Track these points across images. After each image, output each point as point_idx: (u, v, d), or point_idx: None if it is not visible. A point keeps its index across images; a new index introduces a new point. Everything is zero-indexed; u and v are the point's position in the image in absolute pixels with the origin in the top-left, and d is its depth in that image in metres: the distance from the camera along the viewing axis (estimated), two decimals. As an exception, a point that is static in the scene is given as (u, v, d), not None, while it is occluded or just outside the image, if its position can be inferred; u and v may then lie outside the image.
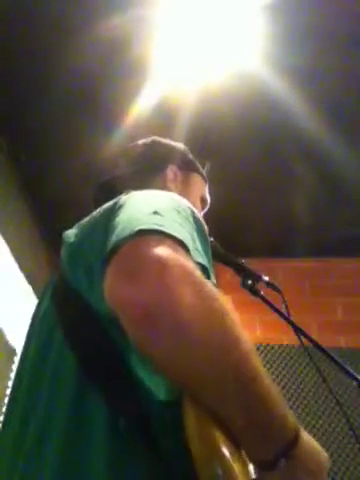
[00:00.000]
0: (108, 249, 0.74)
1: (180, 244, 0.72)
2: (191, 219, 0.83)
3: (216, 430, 0.69)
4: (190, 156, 1.35)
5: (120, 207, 0.85)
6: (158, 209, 0.78)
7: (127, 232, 0.72)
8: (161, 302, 0.66)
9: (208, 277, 0.77)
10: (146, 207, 0.79)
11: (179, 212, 0.82)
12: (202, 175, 1.35)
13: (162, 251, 0.69)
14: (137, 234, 0.71)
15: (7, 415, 0.89)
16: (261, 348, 3.00)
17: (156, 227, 0.72)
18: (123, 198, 0.88)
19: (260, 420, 0.71)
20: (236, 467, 0.67)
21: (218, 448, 0.67)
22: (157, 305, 0.66)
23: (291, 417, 0.74)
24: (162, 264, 0.68)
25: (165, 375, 0.71)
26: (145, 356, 0.70)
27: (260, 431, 0.71)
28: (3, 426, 0.88)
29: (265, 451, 0.71)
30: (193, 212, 0.86)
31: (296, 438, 0.72)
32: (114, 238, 0.74)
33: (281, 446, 0.71)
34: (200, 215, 0.89)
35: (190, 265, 0.71)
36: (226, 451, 0.67)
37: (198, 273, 0.71)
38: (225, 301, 0.72)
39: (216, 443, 0.67)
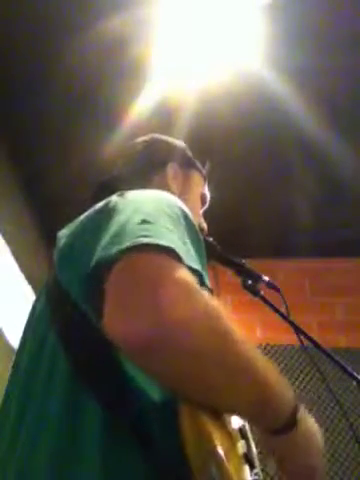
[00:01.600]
0: (92, 264, 0.74)
1: (171, 253, 0.71)
2: (182, 221, 0.82)
3: (212, 428, 0.69)
4: (190, 154, 1.34)
5: (110, 211, 0.84)
6: (147, 216, 0.77)
7: (114, 251, 0.71)
8: (160, 331, 0.66)
9: (202, 281, 0.77)
10: (135, 215, 0.78)
11: (170, 216, 0.80)
12: (201, 173, 1.35)
13: (153, 270, 0.69)
14: (127, 251, 0.70)
15: (1, 414, 0.88)
16: (261, 348, 3.00)
17: (145, 240, 0.71)
18: (113, 201, 0.87)
19: (266, 410, 0.75)
20: (232, 467, 0.67)
21: (214, 449, 0.67)
22: (157, 335, 0.66)
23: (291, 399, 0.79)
24: (154, 287, 0.67)
25: (172, 391, 0.72)
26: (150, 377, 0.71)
27: (265, 419, 0.77)
28: None
29: (272, 426, 0.78)
30: (184, 213, 0.85)
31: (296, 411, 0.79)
32: (101, 253, 0.74)
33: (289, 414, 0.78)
34: (192, 216, 0.88)
35: (183, 277, 0.70)
36: (222, 452, 0.67)
37: (192, 285, 0.70)
38: (223, 309, 0.72)
39: (212, 444, 0.67)
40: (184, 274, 0.70)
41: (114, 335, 0.68)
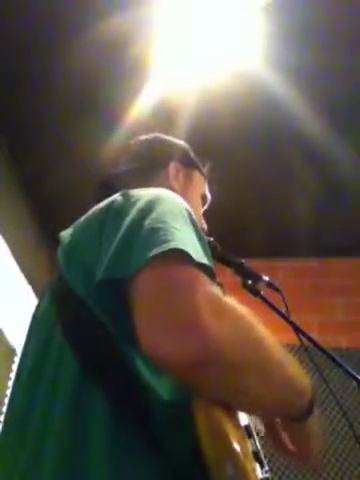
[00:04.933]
0: (103, 275, 0.74)
1: (187, 258, 0.72)
2: (188, 220, 0.82)
3: (229, 426, 0.69)
4: (192, 153, 1.34)
5: (115, 213, 0.84)
6: (155, 220, 0.77)
7: (132, 262, 0.72)
8: (207, 349, 0.67)
9: (213, 276, 0.77)
10: (143, 219, 0.78)
11: (176, 215, 0.81)
12: (203, 173, 1.35)
13: (179, 285, 0.70)
14: (149, 260, 0.71)
15: (7, 416, 0.88)
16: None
17: (159, 250, 0.71)
18: (118, 201, 0.87)
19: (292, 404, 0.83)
20: (248, 465, 0.67)
21: (232, 448, 0.66)
22: (205, 354, 0.67)
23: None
24: (187, 303, 0.69)
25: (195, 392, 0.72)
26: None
27: (293, 410, 0.84)
28: (3, 426, 0.88)
29: (297, 414, 0.85)
30: (188, 211, 0.85)
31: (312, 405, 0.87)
32: (113, 265, 0.74)
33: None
34: (194, 213, 0.88)
35: (209, 289, 0.72)
36: (240, 451, 0.67)
37: (219, 296, 0.72)
38: (249, 313, 0.75)
39: (230, 442, 0.67)
40: (208, 285, 0.72)
41: (159, 357, 0.68)
